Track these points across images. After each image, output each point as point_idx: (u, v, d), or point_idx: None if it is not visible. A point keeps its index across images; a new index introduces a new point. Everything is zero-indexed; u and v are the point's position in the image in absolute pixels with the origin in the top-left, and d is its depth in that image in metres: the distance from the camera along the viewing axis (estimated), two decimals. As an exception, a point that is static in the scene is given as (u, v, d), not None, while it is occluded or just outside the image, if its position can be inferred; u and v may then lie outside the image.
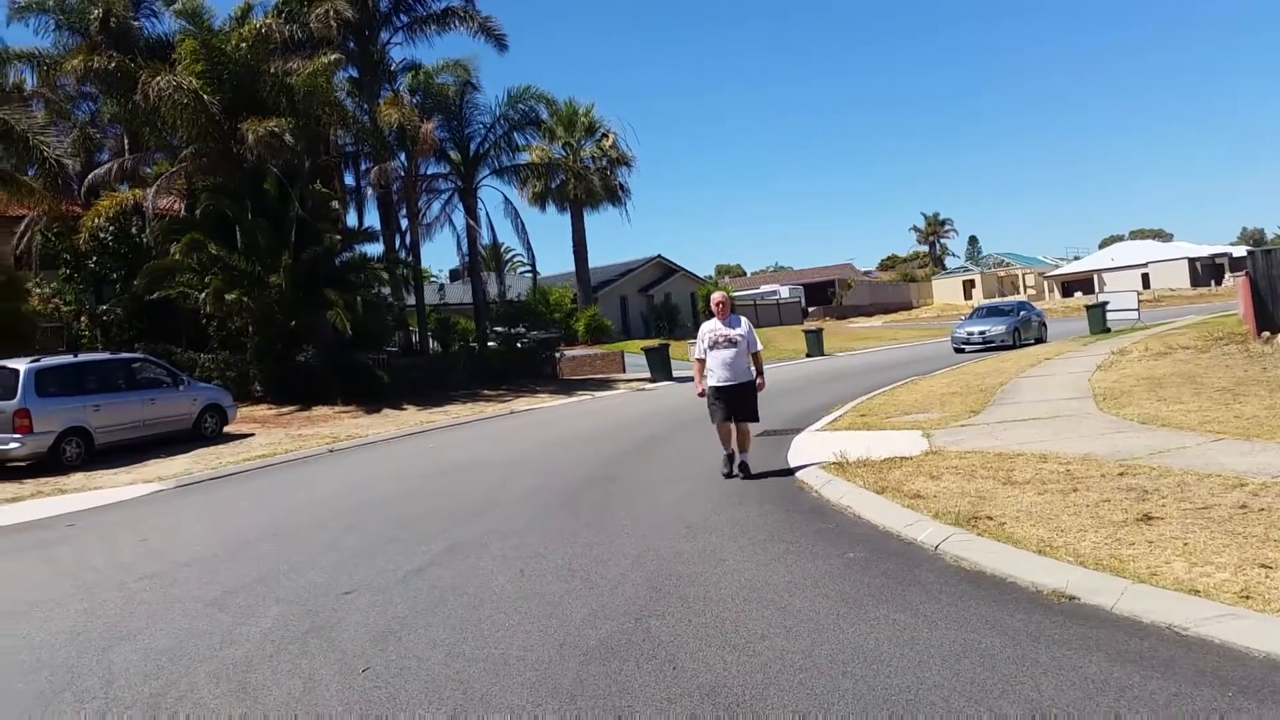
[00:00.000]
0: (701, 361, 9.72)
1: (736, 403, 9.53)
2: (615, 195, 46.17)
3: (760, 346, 9.81)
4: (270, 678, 4.81)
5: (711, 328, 9.65)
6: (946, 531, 6.34)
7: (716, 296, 9.91)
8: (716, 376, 9.53)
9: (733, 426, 9.65)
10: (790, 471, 9.83)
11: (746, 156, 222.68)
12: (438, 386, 27.51)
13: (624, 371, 34.80)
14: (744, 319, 9.81)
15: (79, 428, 15.88)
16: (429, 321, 33.17)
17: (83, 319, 26.84)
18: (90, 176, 25.91)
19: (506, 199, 45.17)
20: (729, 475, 9.63)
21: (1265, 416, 9.62)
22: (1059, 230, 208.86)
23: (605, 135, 46.49)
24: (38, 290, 26.25)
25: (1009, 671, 4.08)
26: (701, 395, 9.82)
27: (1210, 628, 4.27)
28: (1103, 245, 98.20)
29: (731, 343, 9.49)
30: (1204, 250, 76.70)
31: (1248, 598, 4.52)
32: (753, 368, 9.63)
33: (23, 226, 27.80)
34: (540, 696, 4.26)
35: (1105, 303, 33.92)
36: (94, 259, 26.47)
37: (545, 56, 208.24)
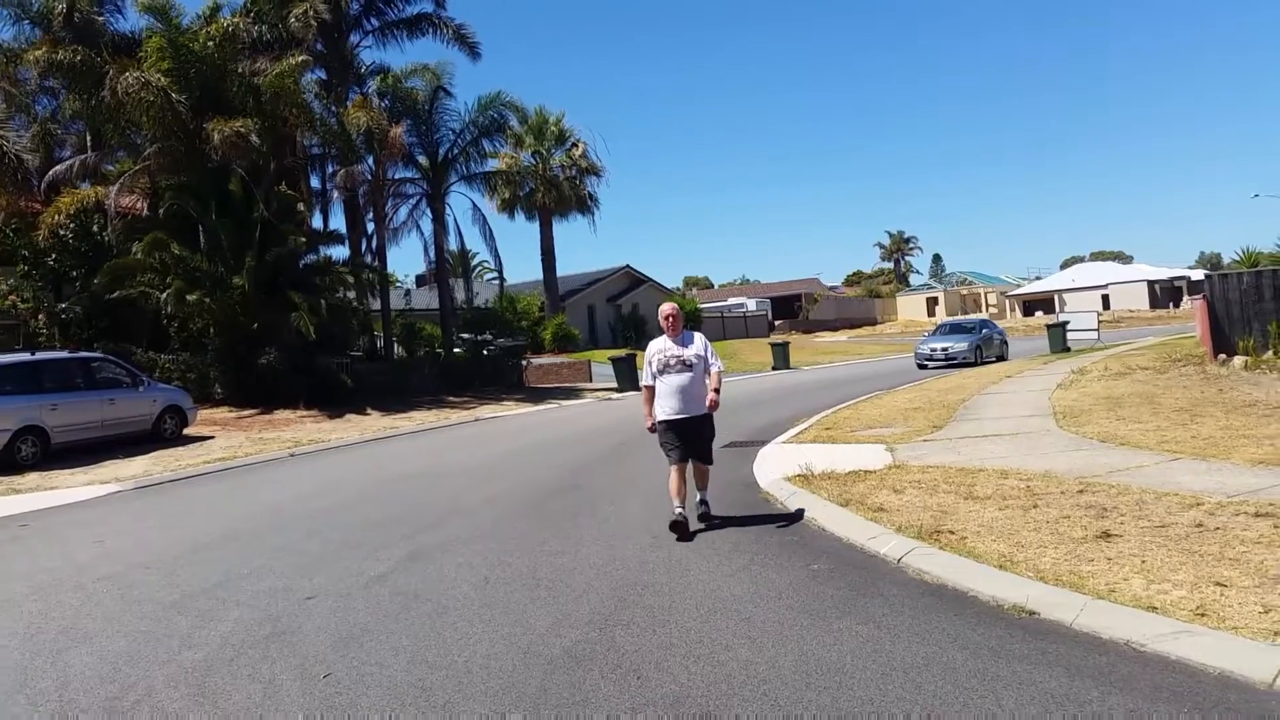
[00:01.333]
0: (651, 389, 7.88)
1: (694, 439, 7.74)
2: (584, 204, 46.27)
3: (721, 365, 7.91)
4: (230, 682, 4.75)
5: (660, 347, 7.80)
6: (909, 545, 6.39)
7: (665, 309, 7.94)
8: (667, 408, 7.67)
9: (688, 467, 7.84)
10: (756, 483, 9.86)
11: (716, 170, 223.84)
12: (402, 392, 27.34)
13: (591, 380, 34.78)
14: (699, 335, 7.95)
15: (35, 426, 15.61)
16: (394, 327, 32.95)
17: (40, 316, 26.37)
18: (51, 173, 25.53)
19: (475, 206, 45.28)
20: (684, 537, 7.38)
21: (1221, 437, 9.80)
22: (1021, 250, 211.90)
23: (575, 144, 46.58)
24: (-7, 286, 25.78)
25: (970, 685, 4.12)
26: (652, 430, 7.93)
27: (1167, 644, 4.34)
28: (1064, 266, 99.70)
29: (686, 365, 7.65)
30: (1163, 273, 78.10)
31: (1203, 615, 4.61)
32: (710, 390, 7.66)
33: (-20, 221, 27.31)
34: (504, 705, 4.24)
35: (1066, 322, 34.43)
36: (53, 256, 26.03)
37: (518, 66, 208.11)
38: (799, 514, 8.07)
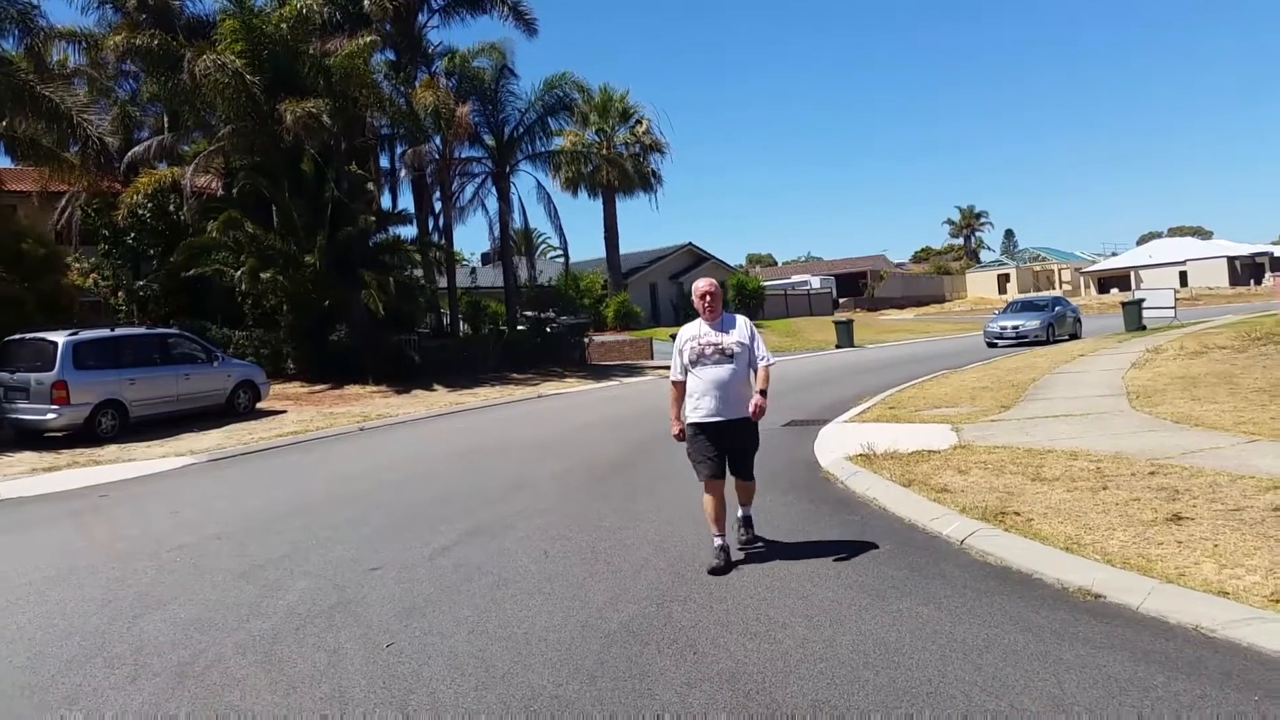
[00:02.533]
0: (680, 384, 6.29)
1: (735, 449, 6.21)
2: (647, 182, 46.13)
3: (772, 359, 6.30)
4: (296, 650, 4.88)
5: (694, 333, 6.23)
6: (973, 526, 6.30)
7: (700, 285, 6.30)
8: (703, 408, 6.08)
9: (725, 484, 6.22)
10: (816, 462, 9.80)
11: (780, 145, 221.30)
12: (467, 369, 27.65)
13: (652, 358, 34.80)
14: (743, 319, 6.35)
15: (114, 400, 16.13)
16: (460, 304, 33.30)
17: (120, 294, 27.24)
18: (130, 154, 26.25)
19: (539, 184, 45.09)
20: (721, 569, 5.88)
21: (1302, 419, 9.46)
22: (1096, 226, 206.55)
23: (639, 121, 46.47)
24: (77, 265, 26.67)
25: (1031, 668, 4.06)
26: (679, 438, 6.35)
27: (1238, 630, 4.22)
28: (1140, 242, 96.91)
29: (725, 354, 6.07)
30: (1244, 249, 75.48)
31: (1278, 601, 4.47)
32: (756, 391, 6.10)
33: (63, 202, 28.25)
34: (561, 676, 4.29)
35: (1141, 300, 33.44)
36: (132, 235, 26.83)
37: (576, 44, 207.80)
38: (860, 493, 8.00)
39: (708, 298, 6.18)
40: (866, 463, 9.05)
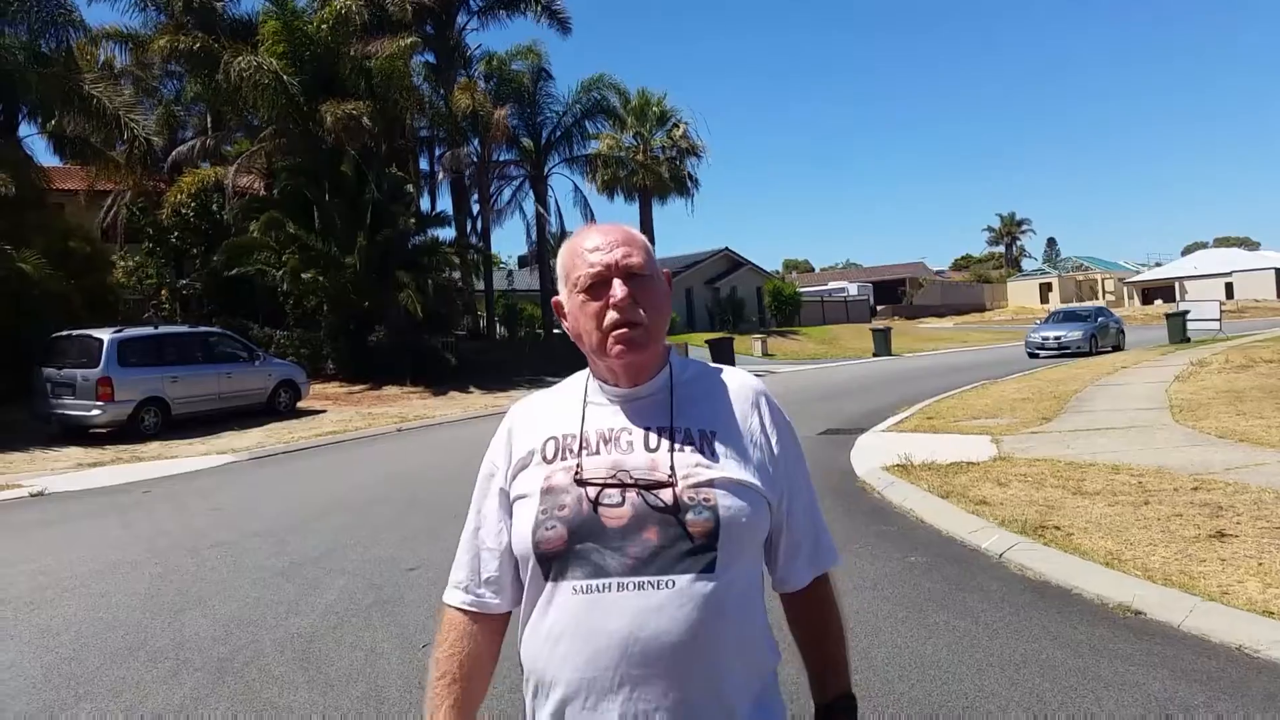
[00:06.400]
0: (471, 622, 1.75)
1: None
2: (684, 186, 46.10)
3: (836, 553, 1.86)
4: (333, 649, 4.93)
5: (559, 431, 1.65)
6: (1012, 540, 6.24)
7: (594, 251, 1.63)
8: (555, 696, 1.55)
9: None
10: (853, 471, 9.75)
11: (819, 151, 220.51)
12: (504, 372, 27.79)
13: (688, 363, 34.81)
14: (740, 380, 1.71)
15: (157, 398, 16.40)
16: (496, 307, 33.57)
17: (163, 292, 27.69)
18: (174, 153, 26.75)
19: (576, 187, 45.36)
20: None
21: (1351, 436, 9.27)
22: (1141, 235, 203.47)
23: (676, 125, 46.43)
24: (121, 263, 27.13)
25: (1069, 683, 4.02)
26: None
27: (1283, 651, 4.15)
28: (1185, 252, 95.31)
29: (686, 532, 1.50)
30: (1292, 260, 74.05)
31: (1324, 622, 4.39)
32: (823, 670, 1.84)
33: (109, 200, 28.78)
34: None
35: (1186, 312, 32.91)
36: (175, 234, 27.29)
37: (611, 47, 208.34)
38: (897, 504, 7.95)
39: (620, 287, 1.58)
40: (904, 473, 8.99)
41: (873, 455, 10.40)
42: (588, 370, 1.73)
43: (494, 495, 1.70)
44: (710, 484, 1.53)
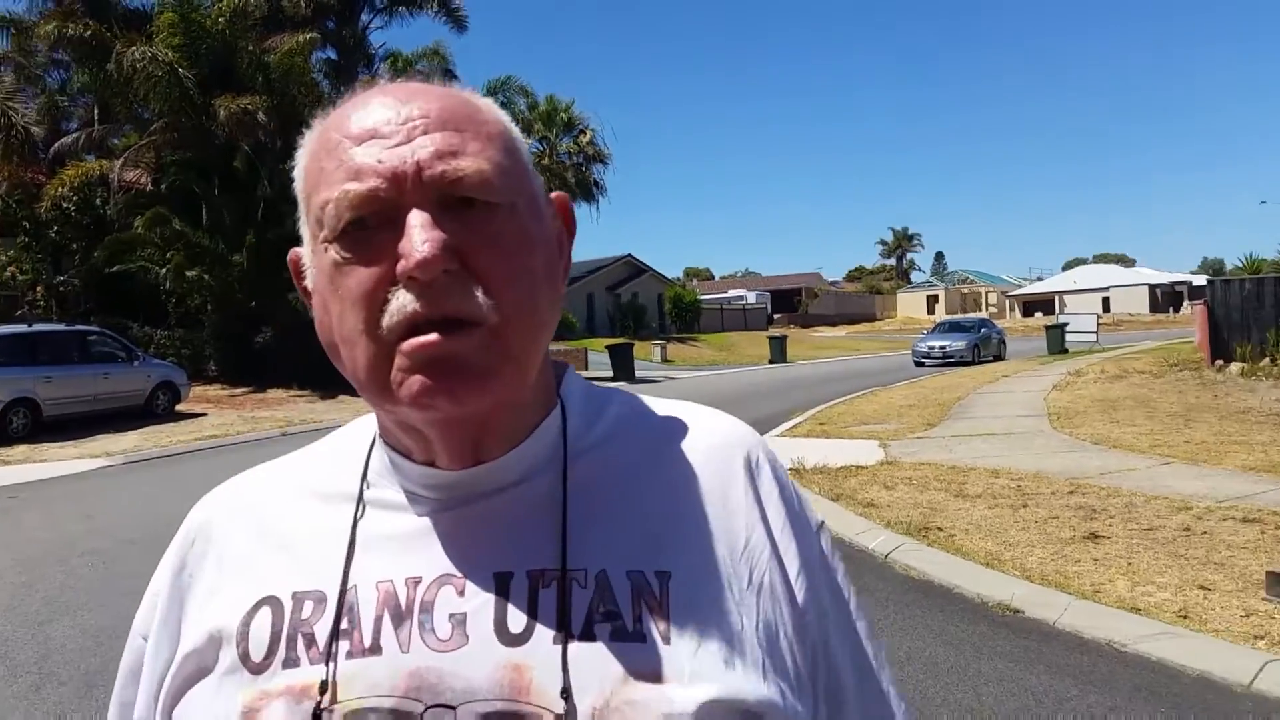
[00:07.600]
0: None
1: None
2: (590, 192, 46.12)
3: None
4: (210, 658, 4.74)
5: (260, 593, 0.77)
6: (897, 541, 6.39)
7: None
8: None
9: None
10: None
11: (723, 162, 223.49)
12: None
13: (586, 369, 34.71)
14: (723, 426, 0.95)
15: (27, 398, 15.58)
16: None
17: (39, 288, 26.36)
18: (56, 145, 25.54)
19: (478, 190, 44.83)
20: None
21: (1214, 442, 9.79)
22: (1023, 251, 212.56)
23: (584, 131, 46.44)
24: (-7, 257, 25.76)
25: (950, 680, 4.12)
26: None
27: (1148, 645, 4.34)
28: (1066, 267, 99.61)
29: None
30: (1165, 277, 78.07)
31: (1185, 617, 4.61)
32: None
33: (-18, 191, 27.27)
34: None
35: (1065, 324, 34.38)
36: (55, 228, 25.99)
37: (520, 52, 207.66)
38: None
39: (426, 229, 0.66)
40: (797, 476, 9.08)
41: (767, 460, 10.50)
42: (374, 428, 0.86)
43: (145, 693, 0.83)
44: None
